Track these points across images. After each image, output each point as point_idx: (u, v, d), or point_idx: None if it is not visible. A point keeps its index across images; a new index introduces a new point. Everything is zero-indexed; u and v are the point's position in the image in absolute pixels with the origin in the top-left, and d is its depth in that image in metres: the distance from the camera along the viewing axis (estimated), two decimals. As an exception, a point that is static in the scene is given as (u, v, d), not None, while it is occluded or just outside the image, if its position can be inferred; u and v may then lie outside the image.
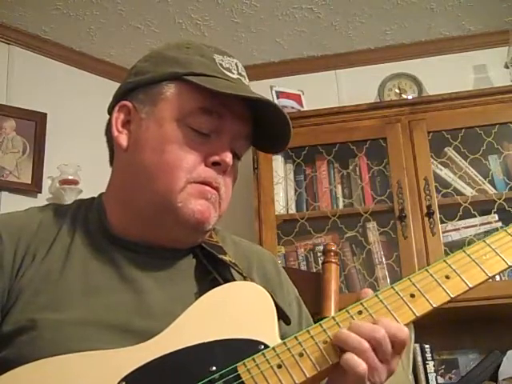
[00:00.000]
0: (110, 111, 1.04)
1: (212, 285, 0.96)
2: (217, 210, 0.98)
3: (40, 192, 2.74)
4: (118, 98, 1.04)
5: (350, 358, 0.78)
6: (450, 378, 2.47)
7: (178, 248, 1.02)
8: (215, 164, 0.97)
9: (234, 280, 0.99)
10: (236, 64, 1.03)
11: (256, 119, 1.02)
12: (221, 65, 1.00)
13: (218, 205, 0.98)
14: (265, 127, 1.02)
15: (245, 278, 1.00)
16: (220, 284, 0.96)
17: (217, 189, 0.98)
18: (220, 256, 1.02)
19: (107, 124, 1.05)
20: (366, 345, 0.79)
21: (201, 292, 0.95)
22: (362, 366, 0.78)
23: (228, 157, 0.97)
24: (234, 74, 1.01)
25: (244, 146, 1.04)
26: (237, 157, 1.03)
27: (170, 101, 0.98)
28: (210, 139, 0.97)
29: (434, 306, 0.84)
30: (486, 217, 2.45)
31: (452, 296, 0.85)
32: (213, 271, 1.00)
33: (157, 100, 0.99)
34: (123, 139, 1.00)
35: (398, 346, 0.81)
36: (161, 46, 1.07)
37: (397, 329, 0.81)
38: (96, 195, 1.08)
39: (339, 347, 0.80)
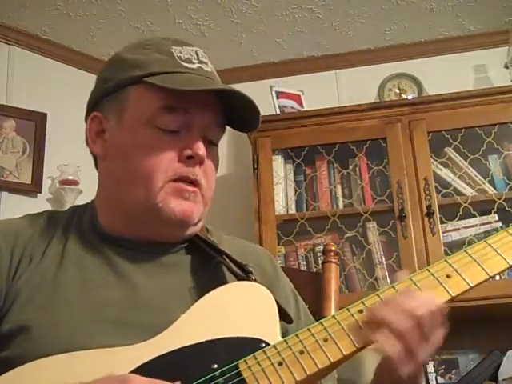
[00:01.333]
0: (86, 120, 1.06)
1: (214, 270, 1.00)
2: (200, 204, 1.00)
3: (40, 192, 2.74)
4: (90, 107, 1.06)
5: (382, 341, 0.78)
6: (450, 378, 2.47)
7: (169, 242, 1.03)
8: (189, 158, 0.98)
9: (234, 269, 1.00)
10: (196, 52, 1.03)
11: (225, 102, 1.02)
12: (179, 57, 1.01)
13: (200, 198, 1.00)
14: (234, 108, 1.02)
15: (244, 267, 1.01)
16: (223, 268, 1.00)
17: (195, 182, 0.99)
18: (219, 247, 1.04)
19: (85, 134, 1.06)
20: (412, 323, 0.78)
21: (195, 286, 0.98)
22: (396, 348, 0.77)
23: (200, 149, 0.98)
24: (193, 63, 1.01)
25: (217, 133, 1.04)
26: (213, 144, 1.04)
27: (135, 105, 0.99)
28: (180, 135, 0.98)
29: None
30: (485, 217, 2.45)
31: (453, 295, 0.85)
32: (216, 255, 1.02)
33: (123, 107, 1.00)
34: (98, 149, 1.03)
35: (434, 319, 0.80)
36: (122, 49, 1.08)
37: (429, 300, 0.81)
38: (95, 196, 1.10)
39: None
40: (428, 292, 0.84)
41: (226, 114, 1.04)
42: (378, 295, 0.86)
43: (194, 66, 1.01)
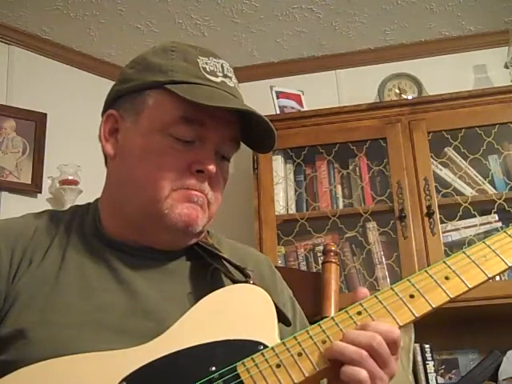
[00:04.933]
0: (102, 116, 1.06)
1: (213, 276, 0.99)
2: (205, 212, 0.99)
3: (40, 192, 2.74)
4: (108, 104, 1.05)
5: (349, 369, 0.78)
6: (450, 378, 2.47)
7: (171, 250, 1.02)
8: (199, 171, 0.97)
9: (232, 273, 1.00)
10: (222, 65, 1.02)
11: (243, 119, 1.02)
12: (204, 69, 0.99)
13: (206, 207, 0.99)
14: (251, 127, 1.02)
15: (243, 270, 1.01)
16: (221, 274, 0.99)
17: (202, 192, 0.98)
18: (217, 252, 1.03)
19: (99, 130, 1.05)
20: (365, 353, 0.79)
21: (194, 292, 0.97)
22: (362, 373, 0.78)
23: (211, 165, 0.97)
24: (217, 77, 1.00)
25: (231, 149, 1.04)
26: (225, 159, 1.03)
27: (153, 110, 0.98)
28: (194, 146, 0.98)
29: (434, 306, 0.85)
30: (485, 217, 2.45)
31: (451, 296, 0.85)
32: (213, 262, 1.02)
33: (140, 109, 0.99)
34: (110, 148, 1.02)
35: (393, 346, 0.81)
36: (148, 50, 1.07)
37: (388, 331, 0.81)
38: (96, 196, 1.09)
39: (335, 360, 0.80)
40: (389, 319, 0.84)
41: (242, 131, 1.03)
42: (376, 296, 0.86)
43: (218, 80, 1.00)
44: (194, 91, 0.95)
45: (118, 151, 1.01)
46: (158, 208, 0.95)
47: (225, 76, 1.01)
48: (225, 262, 1.03)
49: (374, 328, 0.81)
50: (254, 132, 1.02)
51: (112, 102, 1.04)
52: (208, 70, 1.00)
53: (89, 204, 1.09)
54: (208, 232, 1.10)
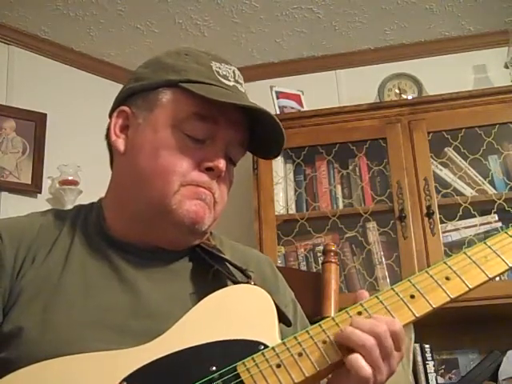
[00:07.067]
0: (111, 115, 1.06)
1: (214, 277, 0.99)
2: (212, 211, 0.99)
3: (40, 192, 2.74)
4: (119, 102, 1.06)
5: (355, 359, 0.78)
6: (450, 378, 2.47)
7: (175, 250, 1.03)
8: (209, 169, 0.98)
9: (234, 275, 1.00)
10: (233, 71, 1.04)
11: (251, 125, 1.03)
12: (217, 72, 1.01)
13: (212, 206, 0.99)
14: (259, 133, 1.03)
15: (244, 272, 1.02)
16: (223, 275, 0.99)
17: (211, 191, 0.99)
18: (219, 254, 1.04)
19: (107, 128, 1.06)
20: (373, 341, 0.79)
21: (197, 292, 0.97)
22: (367, 370, 0.78)
23: (221, 163, 0.98)
24: (230, 81, 1.02)
25: (239, 152, 1.05)
26: (232, 163, 1.04)
27: (166, 107, 1.00)
28: (205, 145, 0.99)
29: (434, 306, 0.85)
30: (485, 217, 2.45)
31: (452, 297, 0.86)
32: (215, 264, 1.02)
33: (153, 106, 1.00)
34: (120, 144, 1.02)
35: (395, 339, 0.81)
36: (162, 53, 1.09)
37: (392, 322, 0.82)
38: (96, 196, 1.10)
39: (342, 345, 0.80)
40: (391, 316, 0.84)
41: (250, 138, 1.04)
42: (376, 297, 0.86)
43: (230, 84, 1.02)
44: (209, 90, 0.97)
45: (128, 147, 1.01)
46: (165, 203, 0.96)
47: (236, 81, 1.04)
48: (226, 263, 1.03)
49: (381, 318, 0.82)
50: (262, 137, 1.03)
51: (123, 99, 1.05)
52: (221, 73, 1.02)
53: (92, 203, 1.09)
54: (211, 233, 1.10)
